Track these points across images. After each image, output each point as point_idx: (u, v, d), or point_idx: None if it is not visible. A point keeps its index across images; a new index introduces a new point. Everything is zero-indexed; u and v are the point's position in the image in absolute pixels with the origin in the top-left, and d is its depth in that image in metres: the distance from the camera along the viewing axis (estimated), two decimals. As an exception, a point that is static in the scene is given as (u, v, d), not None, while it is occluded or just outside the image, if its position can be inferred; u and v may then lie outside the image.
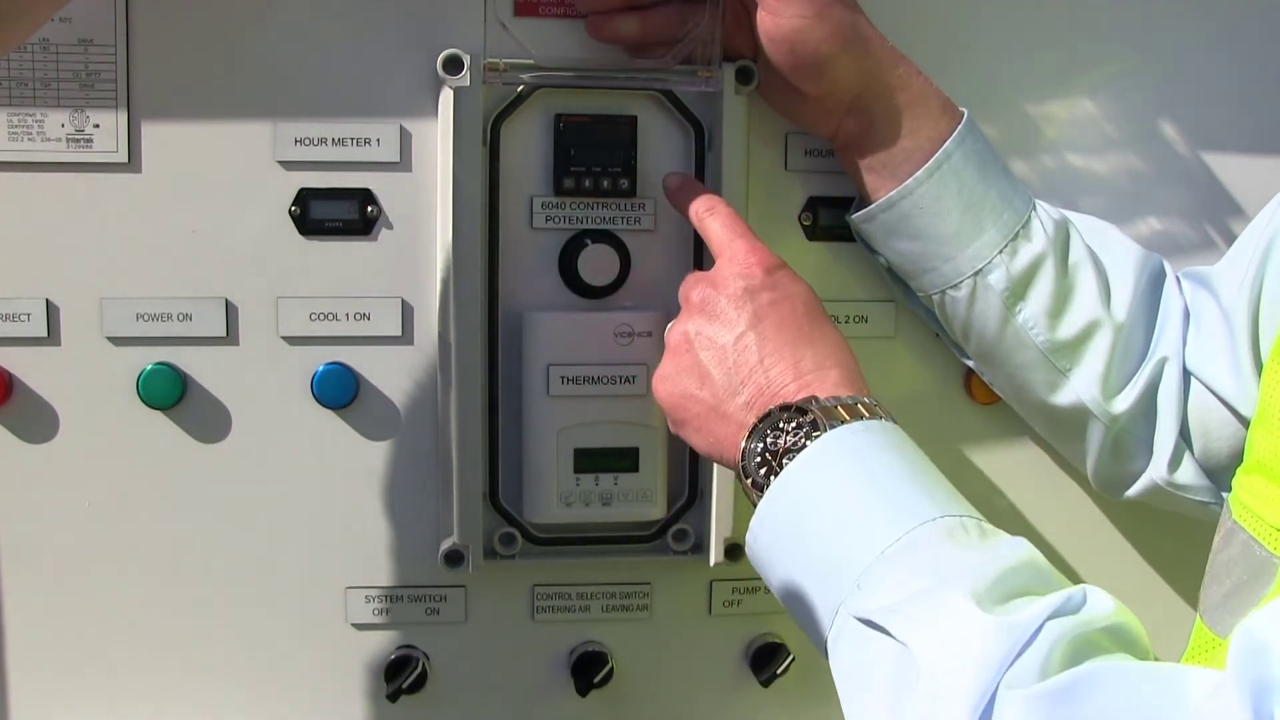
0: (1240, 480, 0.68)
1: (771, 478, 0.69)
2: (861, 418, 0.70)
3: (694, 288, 0.79)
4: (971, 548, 0.63)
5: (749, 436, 0.72)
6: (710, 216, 0.81)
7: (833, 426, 0.69)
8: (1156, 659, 0.59)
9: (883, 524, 0.65)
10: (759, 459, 0.70)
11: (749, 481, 0.71)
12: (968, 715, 0.54)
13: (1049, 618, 0.57)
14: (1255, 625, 0.51)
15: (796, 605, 0.68)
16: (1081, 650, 0.56)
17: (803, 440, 0.69)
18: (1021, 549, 0.63)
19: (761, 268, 0.77)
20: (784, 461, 0.69)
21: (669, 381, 0.77)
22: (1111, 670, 0.54)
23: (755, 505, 0.70)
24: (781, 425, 0.70)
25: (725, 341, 0.75)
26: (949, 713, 0.55)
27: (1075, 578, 0.97)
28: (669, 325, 0.80)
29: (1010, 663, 0.55)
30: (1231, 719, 0.48)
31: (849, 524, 0.66)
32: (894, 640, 0.59)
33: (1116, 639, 0.58)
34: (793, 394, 0.72)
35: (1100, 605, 0.59)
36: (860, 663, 0.63)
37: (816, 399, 0.71)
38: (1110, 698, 0.53)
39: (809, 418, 0.70)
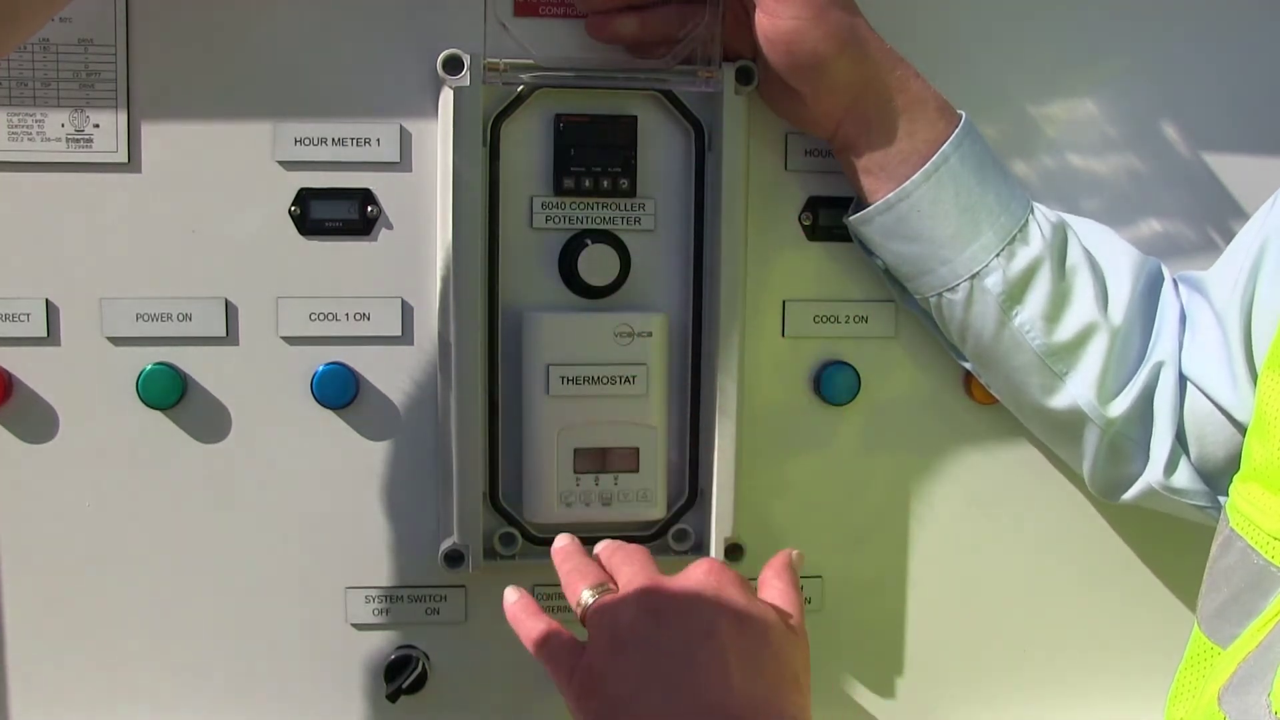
0: (1237, 488, 0.68)
1: None
2: None
3: (638, 585, 0.74)
4: None
5: None
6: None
7: None
8: None
9: None
10: None
11: None
12: None
13: None
14: None
15: None
16: None
17: None
18: None
19: (718, 581, 0.74)
20: None
21: (591, 677, 0.71)
22: None
23: None
24: None
25: (678, 647, 0.70)
26: None
27: (1073, 579, 0.97)
28: (602, 601, 0.75)
29: None
30: None
31: None
32: None
33: None
34: None
35: None
36: None
37: None
38: None
39: None
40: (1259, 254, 0.78)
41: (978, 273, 0.83)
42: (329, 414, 0.88)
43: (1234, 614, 0.65)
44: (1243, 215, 0.94)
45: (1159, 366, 0.85)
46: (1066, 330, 0.84)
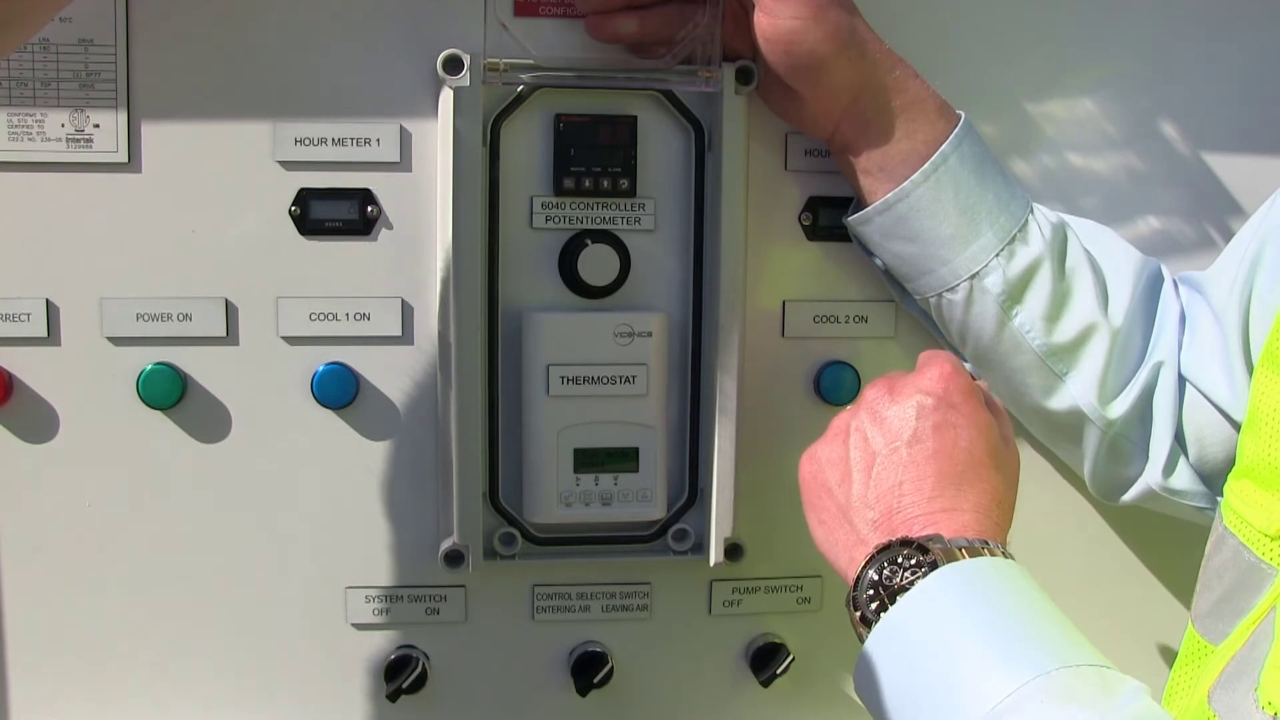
0: (1231, 486, 0.68)
1: (881, 614, 0.66)
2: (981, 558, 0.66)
3: (874, 384, 0.77)
4: (1088, 705, 0.59)
5: (866, 563, 0.68)
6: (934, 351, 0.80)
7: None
8: None
9: (996, 676, 0.60)
10: (871, 591, 0.67)
11: (857, 614, 0.68)
12: None
13: None
14: None
15: None
16: None
17: (918, 580, 0.66)
18: (1138, 705, 0.59)
19: (944, 390, 0.74)
20: (897, 598, 0.66)
21: (814, 464, 0.76)
22: None
23: (861, 638, 0.68)
24: (900, 560, 0.67)
25: (877, 448, 0.73)
26: None
27: (1072, 579, 0.97)
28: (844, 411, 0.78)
29: None
30: None
31: (960, 675, 0.62)
32: None
33: None
34: (919, 528, 0.69)
35: None
36: None
37: (941, 538, 0.67)
38: None
39: (929, 557, 0.66)
40: (1257, 254, 0.78)
41: (977, 273, 0.83)
42: (329, 414, 0.88)
43: (1226, 612, 0.65)
44: (1242, 214, 0.94)
45: (1158, 367, 0.85)
46: (1067, 330, 0.84)
